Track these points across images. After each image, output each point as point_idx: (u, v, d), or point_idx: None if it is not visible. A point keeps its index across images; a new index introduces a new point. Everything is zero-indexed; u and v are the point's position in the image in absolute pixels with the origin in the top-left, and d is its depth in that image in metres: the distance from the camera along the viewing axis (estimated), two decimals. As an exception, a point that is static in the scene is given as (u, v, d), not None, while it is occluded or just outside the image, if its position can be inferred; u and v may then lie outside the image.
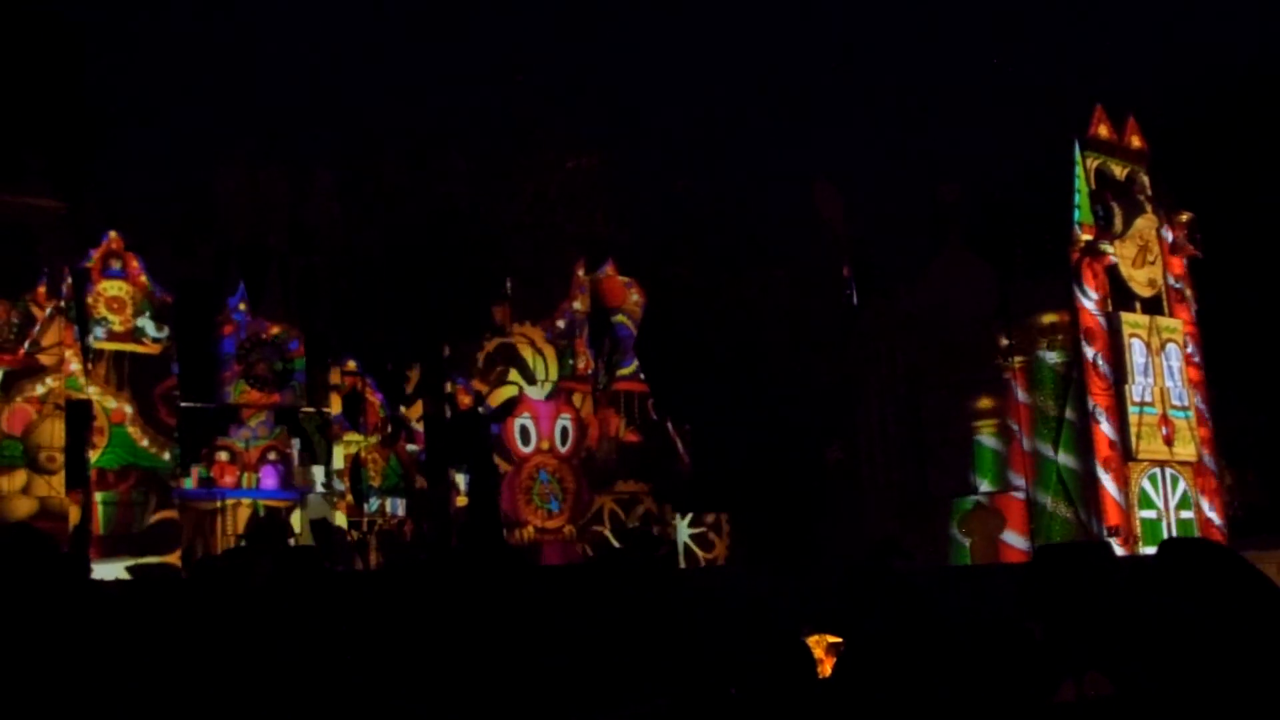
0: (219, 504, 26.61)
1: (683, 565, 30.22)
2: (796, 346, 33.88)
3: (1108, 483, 27.61)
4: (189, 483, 26.62)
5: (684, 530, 31.99)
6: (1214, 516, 29.61)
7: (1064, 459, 28.44)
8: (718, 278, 35.42)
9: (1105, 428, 27.97)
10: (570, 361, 31.72)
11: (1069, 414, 28.50)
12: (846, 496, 31.85)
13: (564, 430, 31.03)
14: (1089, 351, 28.24)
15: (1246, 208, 35.72)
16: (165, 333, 26.69)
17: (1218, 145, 36.79)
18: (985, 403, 29.78)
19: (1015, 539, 28.68)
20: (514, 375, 30.71)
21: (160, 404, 26.36)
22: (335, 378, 28.78)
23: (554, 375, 31.27)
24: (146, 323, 26.54)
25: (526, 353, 31.07)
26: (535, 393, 30.82)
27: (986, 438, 29.77)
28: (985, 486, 29.61)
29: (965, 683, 13.98)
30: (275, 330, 28.12)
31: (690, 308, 34.63)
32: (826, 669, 17.46)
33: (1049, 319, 29.05)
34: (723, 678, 14.78)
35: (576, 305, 32.28)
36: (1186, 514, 29.39)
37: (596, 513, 31.20)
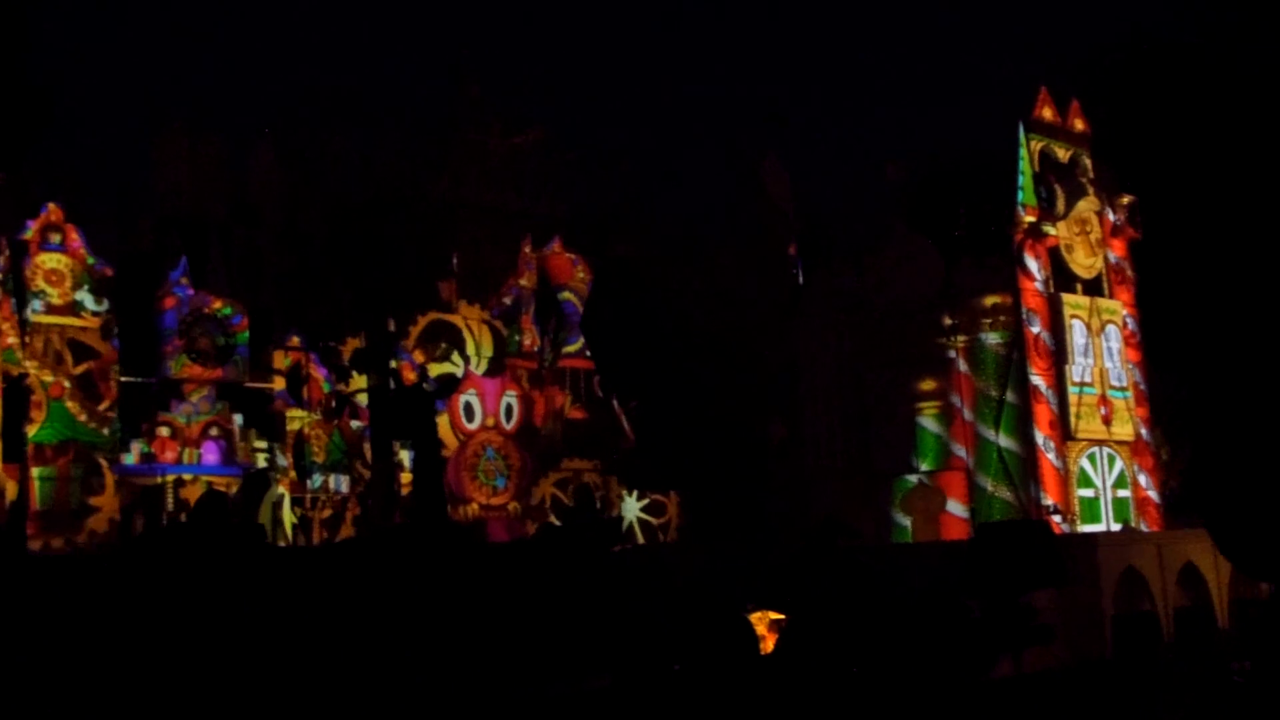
0: (159, 479, 26.33)
1: (636, 542, 30.33)
2: (742, 325, 34.00)
3: (1047, 465, 27.97)
4: (130, 458, 26.30)
5: (632, 507, 32.09)
6: (1153, 494, 30.08)
7: (1005, 441, 28.74)
8: (665, 256, 35.44)
9: (1046, 407, 28.30)
10: (516, 338, 31.67)
11: (1010, 396, 28.80)
12: (790, 474, 32.04)
13: (509, 407, 31.01)
14: (1031, 332, 28.55)
15: (1186, 191, 36.18)
16: (105, 306, 26.31)
17: (1159, 129, 37.21)
18: (928, 383, 30.03)
19: (957, 508, 28.99)
20: (457, 355, 30.65)
21: (100, 378, 26.01)
22: (279, 354, 28.54)
23: (489, 352, 31.20)
24: (86, 296, 26.15)
25: (468, 333, 31.02)
26: (477, 369, 30.80)
27: (928, 419, 30.02)
28: (926, 466, 29.88)
29: (905, 658, 14.17)
30: (217, 305, 27.81)
31: (637, 285, 34.65)
32: (769, 645, 17.65)
33: (992, 300, 29.32)
34: (666, 653, 14.87)
35: (523, 282, 32.22)
36: (1123, 493, 29.84)
37: (540, 489, 31.22)
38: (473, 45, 34.84)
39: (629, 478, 32.36)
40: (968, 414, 29.40)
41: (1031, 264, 28.98)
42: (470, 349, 30.83)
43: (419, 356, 29.37)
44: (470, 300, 31.40)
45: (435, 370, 29.65)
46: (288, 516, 27.43)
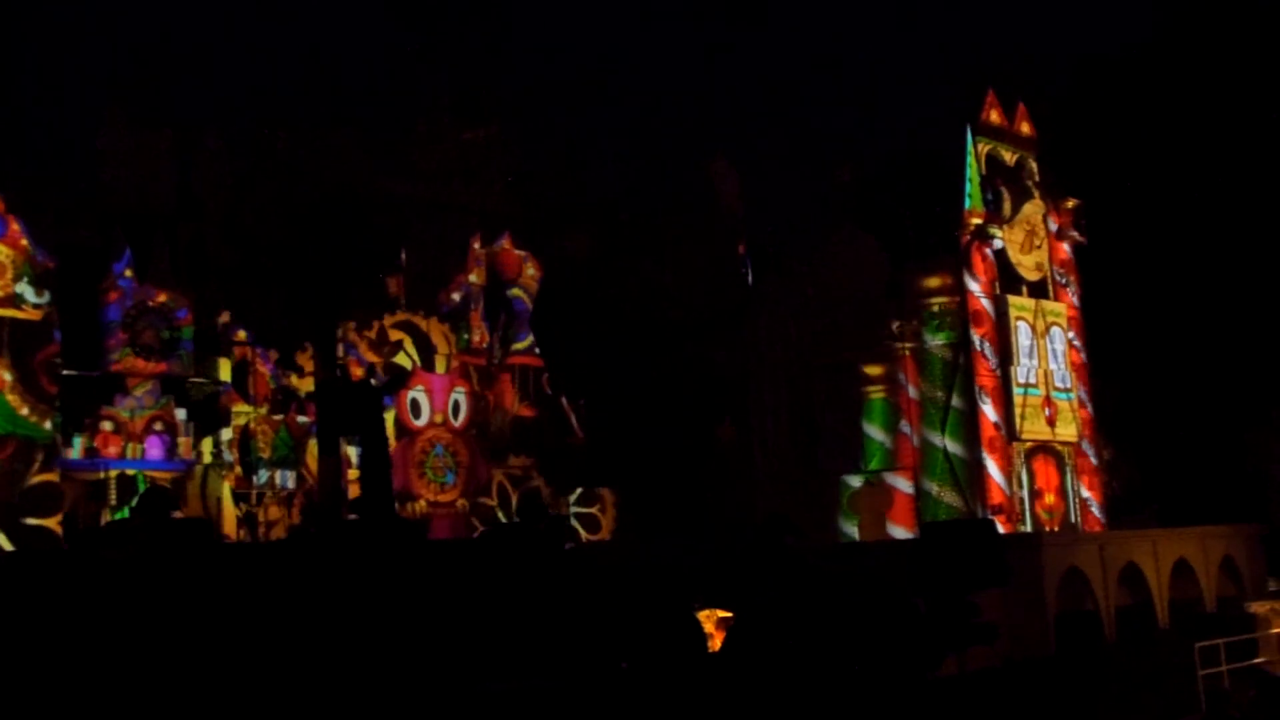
0: (102, 474, 26.01)
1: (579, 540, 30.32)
2: (691, 323, 34.10)
3: (991, 467, 28.24)
4: (74, 453, 25.96)
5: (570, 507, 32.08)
6: (1089, 496, 30.43)
7: (951, 445, 28.98)
8: (614, 253, 35.46)
9: (989, 410, 28.56)
10: (465, 335, 31.57)
11: (956, 401, 29.05)
12: (738, 473, 32.18)
13: (457, 404, 30.90)
14: (975, 334, 28.81)
15: (1130, 195, 36.68)
16: (46, 298, 25.91)
17: (1103, 132, 37.70)
18: (875, 387, 30.23)
19: (904, 508, 29.25)
20: (408, 348, 30.51)
21: (41, 371, 25.62)
22: (224, 347, 28.27)
23: (448, 350, 31.12)
24: (26, 288, 25.74)
25: (425, 328, 30.91)
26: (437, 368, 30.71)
27: (875, 419, 30.22)
28: (873, 465, 30.09)
29: (853, 656, 14.26)
30: (162, 298, 27.50)
31: (586, 282, 34.64)
32: (717, 643, 17.70)
33: (938, 302, 29.57)
34: (614, 652, 14.89)
35: (472, 278, 32.12)
36: (1066, 493, 30.20)
37: (488, 487, 31.16)
38: (425, 38, 34.59)
39: (572, 477, 32.34)
40: (913, 415, 29.63)
41: (978, 266, 29.25)
42: (440, 350, 30.75)
43: (371, 356, 29.20)
44: (418, 297, 31.25)
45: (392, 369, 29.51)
46: (230, 510, 27.19)
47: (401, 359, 30.41)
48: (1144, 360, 35.52)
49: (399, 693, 13.66)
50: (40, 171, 28.15)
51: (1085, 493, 30.46)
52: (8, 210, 25.85)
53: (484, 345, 31.78)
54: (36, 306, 25.76)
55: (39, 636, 12.52)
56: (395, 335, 30.52)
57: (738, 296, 34.73)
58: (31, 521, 24.73)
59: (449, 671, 14.03)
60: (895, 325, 29.71)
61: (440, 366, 30.88)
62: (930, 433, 29.23)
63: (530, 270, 33.35)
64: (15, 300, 25.56)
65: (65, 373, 26.13)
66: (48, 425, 25.49)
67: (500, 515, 30.70)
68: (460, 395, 30.97)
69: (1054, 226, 31.21)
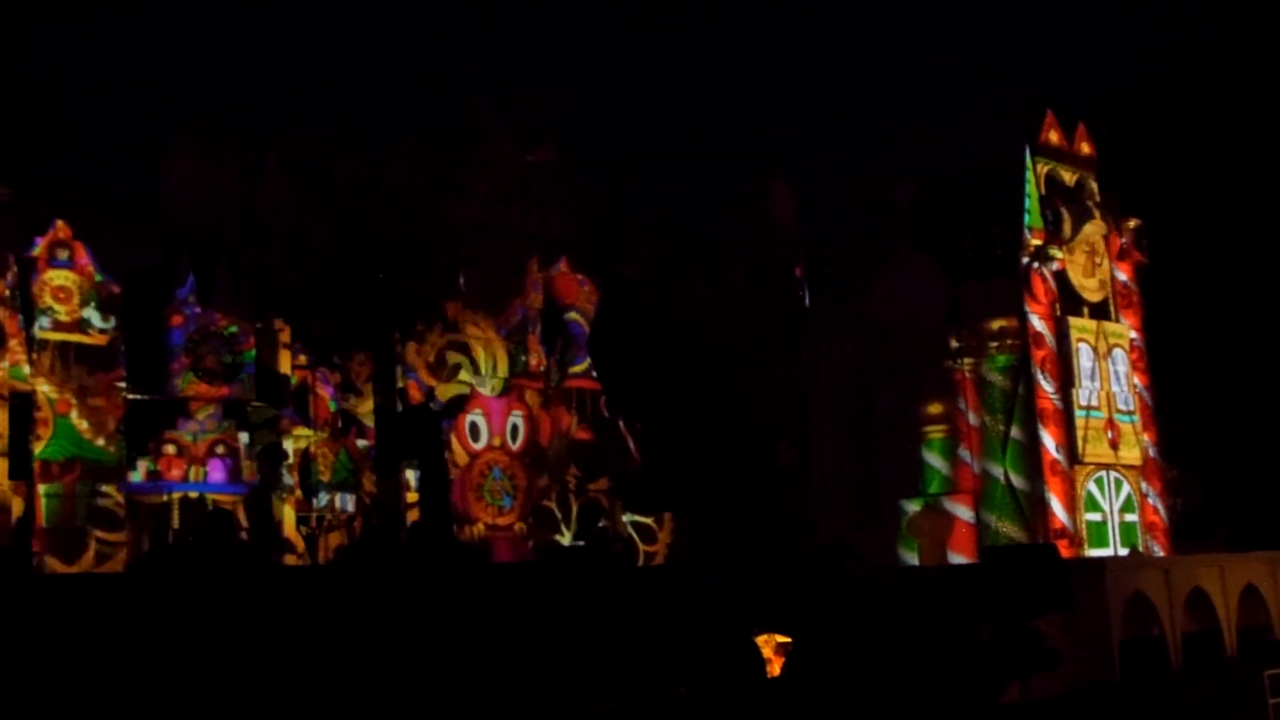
0: (165, 497, 26.28)
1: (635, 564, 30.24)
2: (749, 346, 33.98)
3: (1051, 494, 27.95)
4: (136, 476, 26.27)
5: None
6: (1162, 516, 30.02)
7: (1012, 476, 28.71)
8: (671, 277, 35.44)
9: (1048, 437, 28.24)
10: (522, 358, 31.64)
11: (1015, 432, 28.78)
12: (797, 496, 31.98)
13: (515, 427, 30.97)
14: (1035, 357, 28.53)
15: (1193, 215, 36.22)
16: (112, 323, 26.31)
17: (1165, 153, 37.26)
18: (935, 407, 30.00)
19: (965, 533, 28.99)
20: (465, 374, 30.64)
21: (106, 395, 25.99)
22: (286, 371, 28.53)
23: (504, 372, 31.22)
24: (93, 313, 26.16)
25: (479, 350, 31.03)
26: (486, 389, 30.78)
27: (934, 443, 29.96)
28: (933, 489, 29.82)
29: (913, 683, 14.10)
30: (225, 323, 27.81)
31: (644, 306, 34.63)
32: (775, 668, 17.59)
33: (998, 323, 29.32)
34: (672, 677, 14.82)
35: (530, 302, 32.21)
36: (1131, 517, 29.76)
37: (548, 510, 31.13)
38: (484, 63, 34.85)
39: (632, 499, 32.26)
40: (973, 443, 29.37)
41: (1038, 287, 28.97)
42: (484, 368, 30.85)
43: (428, 379, 29.36)
44: (478, 319, 31.40)
45: (445, 391, 29.63)
46: (291, 533, 27.38)
47: (459, 382, 30.54)
48: (1210, 381, 35.00)
49: (457, 715, 13.68)
50: (105, 198, 28.59)
51: (1153, 514, 30.04)
52: (74, 237, 26.29)
53: (541, 369, 31.83)
54: (102, 331, 26.16)
55: (105, 654, 12.66)
56: (453, 358, 30.67)
57: (794, 319, 34.58)
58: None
59: (507, 694, 14.03)
60: (954, 344, 29.50)
61: (489, 389, 30.98)
62: (990, 464, 28.99)
63: (587, 293, 33.39)
64: (82, 325, 25.98)
65: (130, 396, 26.48)
66: (112, 449, 25.81)
67: (564, 533, 30.67)
68: (518, 418, 31.03)
69: (1120, 244, 30.87)
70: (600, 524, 29.53)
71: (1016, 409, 28.69)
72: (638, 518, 31.95)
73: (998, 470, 28.81)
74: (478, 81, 34.47)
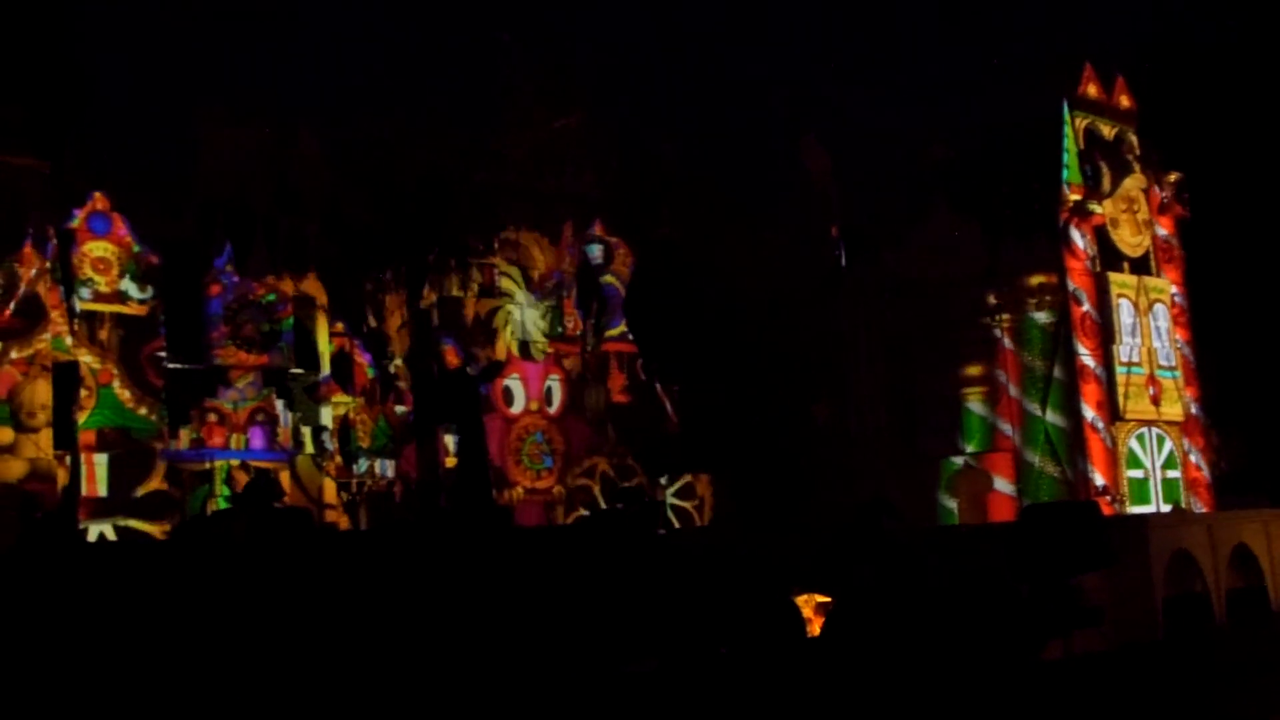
0: (208, 464, 26.55)
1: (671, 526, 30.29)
2: (785, 306, 33.83)
3: (1099, 437, 27.80)
4: (180, 444, 26.54)
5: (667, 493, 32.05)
6: (1205, 473, 29.80)
7: (1052, 417, 28.57)
8: (706, 237, 35.30)
9: (1094, 386, 28.07)
10: (558, 324, 31.68)
11: (1057, 373, 28.62)
12: (835, 456, 31.91)
13: (550, 390, 31.05)
14: (1078, 311, 28.29)
15: (1235, 168, 35.70)
16: (151, 293, 26.51)
17: (1206, 105, 36.73)
18: (974, 365, 29.86)
19: (1005, 489, 28.90)
20: (507, 336, 30.69)
21: (147, 365, 26.23)
22: (323, 338, 28.68)
23: (539, 337, 31.26)
24: (131, 284, 26.36)
25: (515, 314, 31.09)
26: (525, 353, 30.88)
27: (974, 400, 29.85)
28: (972, 448, 29.71)
29: (953, 641, 14.08)
30: (262, 291, 27.96)
31: (678, 268, 34.53)
32: (815, 628, 17.60)
33: (1037, 280, 29.10)
34: (713, 637, 14.86)
35: (564, 266, 32.20)
36: (1173, 473, 29.54)
37: (587, 471, 31.20)
38: (512, 27, 34.66)
39: (668, 462, 32.28)
40: (1014, 391, 29.23)
41: (1078, 242, 28.69)
42: (533, 333, 30.99)
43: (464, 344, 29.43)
44: (513, 284, 31.44)
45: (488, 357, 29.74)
46: (331, 499, 27.61)
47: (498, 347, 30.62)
48: (1253, 336, 34.61)
49: (495, 678, 13.77)
50: (140, 167, 28.72)
51: (1195, 471, 29.82)
52: (112, 208, 26.45)
53: (577, 333, 31.86)
54: (141, 302, 26.36)
55: (145, 621, 12.81)
56: (496, 318, 30.74)
57: (831, 277, 34.39)
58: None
59: (546, 657, 14.11)
60: (992, 299, 29.33)
61: (535, 354, 31.05)
62: (1031, 405, 28.86)
63: (622, 256, 33.33)
64: (121, 296, 26.18)
65: (170, 366, 26.70)
66: (154, 418, 26.06)
67: (600, 501, 30.76)
68: (554, 382, 31.10)
69: (1160, 198, 30.51)
70: (634, 485, 29.56)
71: (1058, 353, 28.55)
72: (679, 502, 31.95)
73: (1038, 411, 28.71)
74: (508, 43, 34.30)
